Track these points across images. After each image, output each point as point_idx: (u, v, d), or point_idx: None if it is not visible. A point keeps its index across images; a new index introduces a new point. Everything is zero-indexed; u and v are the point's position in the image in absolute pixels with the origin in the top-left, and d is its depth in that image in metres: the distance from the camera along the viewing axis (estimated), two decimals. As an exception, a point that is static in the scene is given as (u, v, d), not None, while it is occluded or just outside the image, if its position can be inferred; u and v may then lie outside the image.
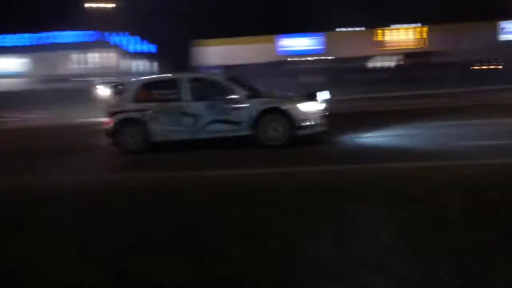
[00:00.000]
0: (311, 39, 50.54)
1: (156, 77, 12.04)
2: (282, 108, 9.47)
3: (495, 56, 44.24)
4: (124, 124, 9.90)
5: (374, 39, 49.39)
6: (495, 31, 47.22)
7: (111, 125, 10.02)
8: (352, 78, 37.35)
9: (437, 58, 44.62)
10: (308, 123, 9.50)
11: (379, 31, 50.11)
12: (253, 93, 9.87)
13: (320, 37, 50.29)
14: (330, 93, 11.29)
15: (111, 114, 10.10)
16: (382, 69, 47.88)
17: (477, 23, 44.67)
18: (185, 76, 10.17)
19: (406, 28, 50.64)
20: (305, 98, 9.91)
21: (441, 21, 44.81)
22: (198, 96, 9.75)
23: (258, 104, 9.53)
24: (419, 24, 50.11)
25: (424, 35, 49.54)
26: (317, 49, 50.50)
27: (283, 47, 50.66)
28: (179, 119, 9.72)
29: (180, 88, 9.81)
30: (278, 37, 50.26)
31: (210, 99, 9.69)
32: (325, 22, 46.76)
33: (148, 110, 9.84)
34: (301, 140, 9.53)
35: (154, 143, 9.88)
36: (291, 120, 9.39)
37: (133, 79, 11.91)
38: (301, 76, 37.43)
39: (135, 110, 9.90)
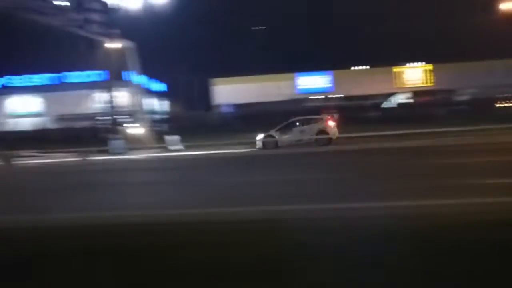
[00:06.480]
0: (321, 77, 51.68)
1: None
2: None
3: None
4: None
5: (382, 77, 49.97)
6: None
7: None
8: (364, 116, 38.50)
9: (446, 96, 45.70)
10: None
11: (395, 69, 51.16)
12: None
13: (329, 75, 51.35)
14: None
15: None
16: (393, 107, 49.08)
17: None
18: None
19: (414, 67, 51.69)
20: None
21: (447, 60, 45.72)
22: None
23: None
24: (423, 63, 51.07)
25: (431, 74, 50.43)
26: (327, 88, 51.57)
27: (299, 85, 51.63)
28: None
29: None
30: (296, 75, 51.18)
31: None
32: (336, 60, 47.64)
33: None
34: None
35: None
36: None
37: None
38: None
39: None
